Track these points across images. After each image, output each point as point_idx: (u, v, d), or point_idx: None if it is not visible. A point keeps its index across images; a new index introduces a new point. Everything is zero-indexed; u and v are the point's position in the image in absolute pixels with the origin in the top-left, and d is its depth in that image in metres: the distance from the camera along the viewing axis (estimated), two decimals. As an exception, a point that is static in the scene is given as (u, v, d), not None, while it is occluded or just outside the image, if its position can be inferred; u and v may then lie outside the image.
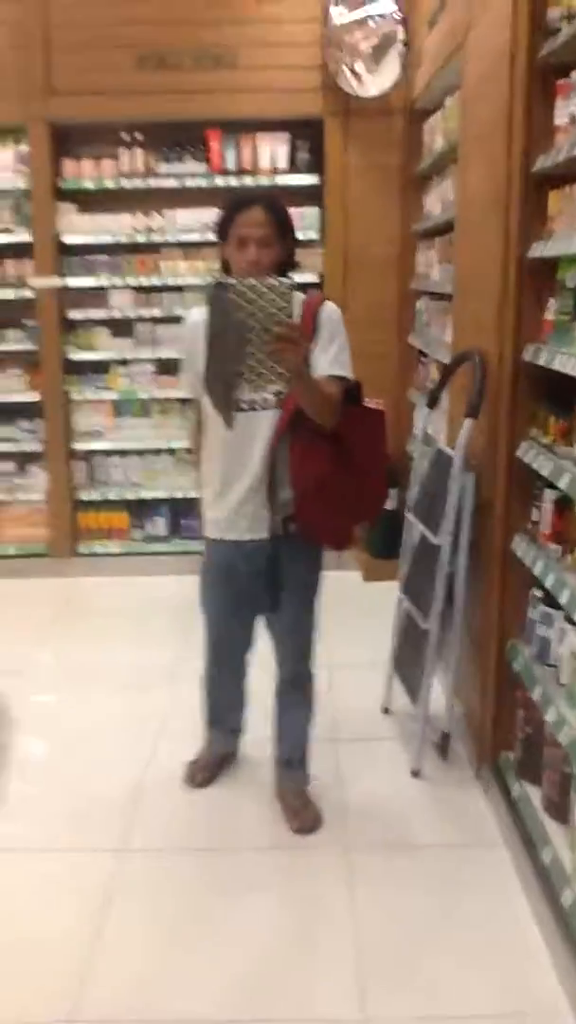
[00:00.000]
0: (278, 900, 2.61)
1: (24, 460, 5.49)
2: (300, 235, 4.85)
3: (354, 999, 2.22)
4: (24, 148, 5.07)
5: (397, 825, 2.93)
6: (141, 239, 5.19)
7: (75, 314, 5.28)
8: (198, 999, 2.24)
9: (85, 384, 5.38)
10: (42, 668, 4.21)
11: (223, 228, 2.59)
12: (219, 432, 2.64)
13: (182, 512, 5.48)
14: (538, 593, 2.67)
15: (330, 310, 2.64)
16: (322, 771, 3.15)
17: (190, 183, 5.09)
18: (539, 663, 2.63)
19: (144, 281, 5.23)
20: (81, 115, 4.98)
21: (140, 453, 5.49)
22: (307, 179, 5.08)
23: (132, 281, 5.24)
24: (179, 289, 5.23)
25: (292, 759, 3.02)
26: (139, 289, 5.27)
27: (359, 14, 4.66)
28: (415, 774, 3.16)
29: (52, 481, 5.41)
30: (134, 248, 5.24)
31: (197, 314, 2.70)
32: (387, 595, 4.03)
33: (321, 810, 2.96)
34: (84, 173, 5.15)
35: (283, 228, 2.59)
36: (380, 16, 4.65)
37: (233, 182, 5.06)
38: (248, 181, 5.06)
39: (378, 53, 4.68)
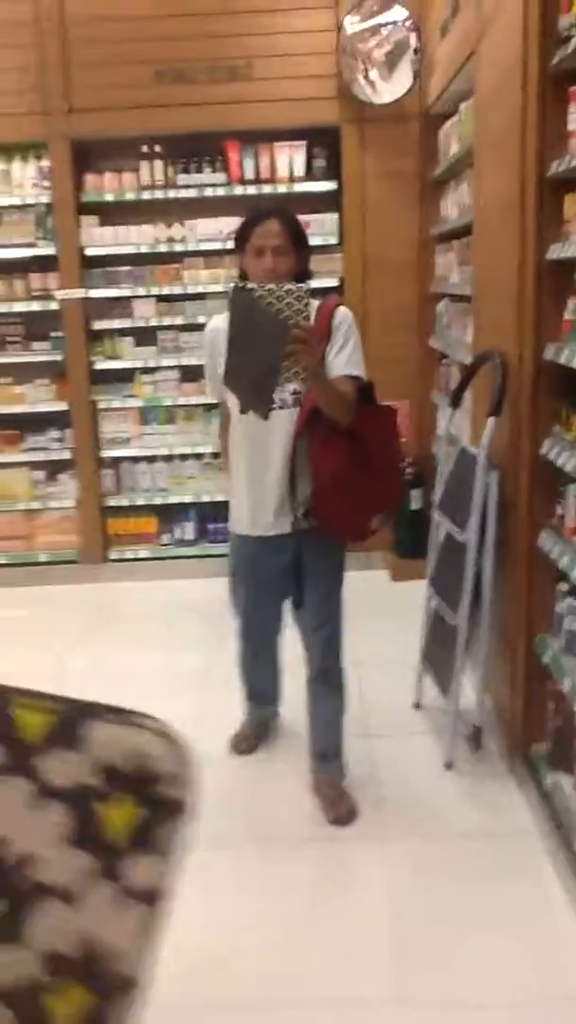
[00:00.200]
0: (314, 886, 2.70)
1: (54, 469, 5.60)
2: (319, 240, 5.06)
3: (390, 981, 2.29)
4: (46, 164, 5.18)
5: (431, 815, 3.00)
6: (163, 249, 5.28)
7: (99, 324, 5.39)
8: (236, 979, 2.33)
9: (111, 393, 5.48)
10: (76, 672, 4.30)
11: (240, 239, 2.73)
12: (241, 431, 2.81)
13: (209, 516, 5.58)
14: (564, 587, 2.74)
15: (343, 314, 2.77)
16: (356, 764, 3.22)
17: (209, 193, 5.19)
18: (568, 655, 2.69)
19: (166, 290, 5.33)
20: (101, 131, 5.09)
21: (167, 459, 5.59)
22: (325, 186, 5.16)
23: (155, 290, 5.33)
24: (201, 297, 5.32)
25: (327, 752, 3.11)
26: (162, 298, 5.37)
27: (372, 23, 4.74)
28: (448, 767, 3.23)
29: (82, 488, 5.52)
30: (156, 258, 5.33)
31: (217, 321, 2.87)
32: (414, 594, 4.10)
33: (356, 802, 3.05)
34: (105, 186, 5.25)
35: (297, 238, 2.72)
36: (392, 24, 4.73)
37: (252, 191, 5.15)
38: (267, 189, 5.15)
39: (391, 60, 4.75)
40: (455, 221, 4.28)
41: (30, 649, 4.49)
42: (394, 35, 4.74)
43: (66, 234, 5.22)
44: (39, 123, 5.05)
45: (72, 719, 0.75)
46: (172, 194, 5.22)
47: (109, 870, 0.73)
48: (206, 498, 5.52)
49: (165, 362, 5.41)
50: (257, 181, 5.17)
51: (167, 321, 5.37)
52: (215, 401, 2.97)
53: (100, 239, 5.29)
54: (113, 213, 5.32)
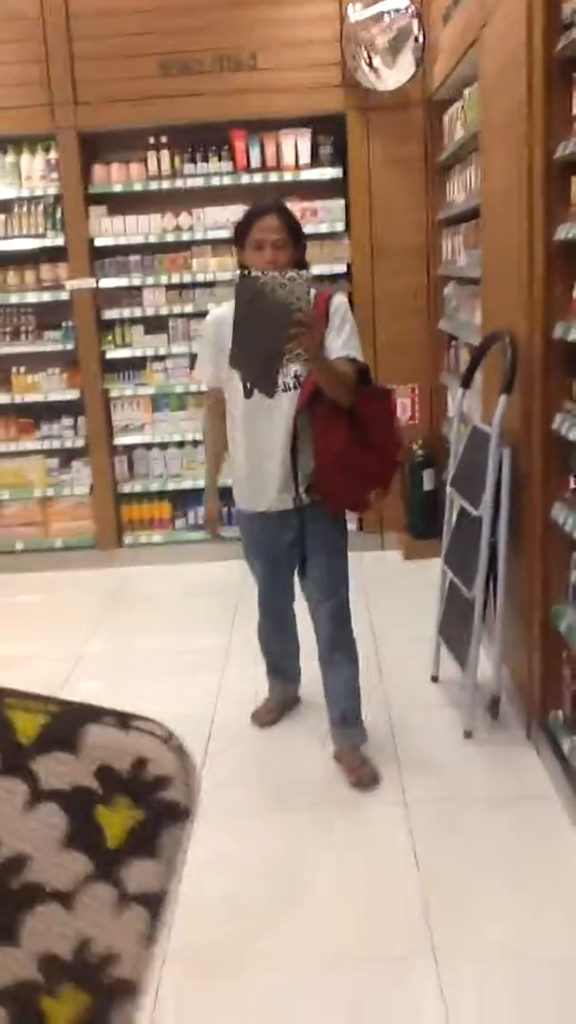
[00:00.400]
0: (340, 848, 2.80)
1: (68, 456, 5.70)
2: (326, 227, 5.14)
3: (420, 935, 2.40)
4: (54, 156, 5.26)
5: (453, 781, 3.11)
6: (171, 238, 5.36)
7: (110, 313, 5.47)
8: (267, 936, 2.44)
9: (123, 381, 5.57)
10: (94, 655, 4.40)
11: (240, 234, 2.90)
12: (244, 413, 2.99)
13: (222, 500, 5.65)
14: (578, 557, 2.83)
15: (339, 301, 2.95)
16: (376, 736, 3.33)
17: (216, 182, 5.26)
18: (583, 622, 2.79)
19: (176, 279, 5.40)
20: (108, 123, 5.16)
21: (179, 445, 5.68)
22: (331, 172, 5.23)
23: (164, 279, 5.41)
24: (210, 285, 5.40)
25: (346, 716, 3.22)
26: (171, 287, 5.45)
27: (374, 10, 4.80)
28: (467, 735, 3.33)
29: (95, 475, 5.61)
30: (165, 247, 5.41)
31: (219, 311, 3.07)
32: (428, 573, 4.21)
33: (378, 767, 3.16)
34: (113, 177, 5.32)
35: (294, 232, 2.90)
36: (395, 11, 4.79)
37: (258, 179, 5.23)
38: (273, 177, 5.22)
39: (394, 48, 4.82)
40: (462, 205, 4.36)
41: (48, 633, 4.59)
42: (397, 22, 4.80)
43: (75, 225, 5.30)
44: (46, 116, 5.12)
45: (69, 721, 0.73)
46: (179, 184, 5.29)
47: (107, 873, 0.72)
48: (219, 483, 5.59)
49: (176, 349, 5.50)
50: (263, 169, 5.25)
51: (177, 309, 5.45)
52: (207, 387, 3.20)
53: (109, 229, 5.37)
54: (121, 203, 5.40)
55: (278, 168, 5.24)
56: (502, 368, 3.19)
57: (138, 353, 5.52)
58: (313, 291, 2.82)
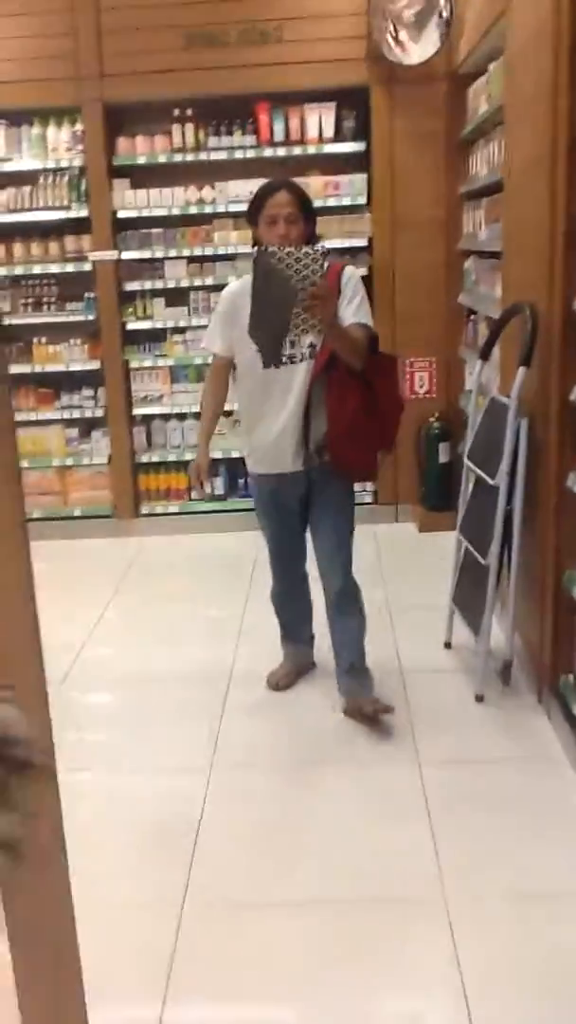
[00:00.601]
0: (356, 804, 2.89)
1: (87, 426, 5.77)
2: (348, 201, 5.18)
3: (435, 882, 2.48)
4: (79, 128, 5.30)
5: (464, 743, 3.19)
6: (193, 211, 5.40)
7: (131, 285, 5.52)
8: (288, 884, 2.53)
9: (143, 352, 5.63)
10: (110, 620, 4.48)
11: (254, 211, 3.09)
12: (260, 382, 3.17)
13: (239, 472, 5.72)
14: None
15: (350, 272, 3.14)
16: (390, 699, 3.40)
17: (239, 155, 5.29)
18: (596, 588, 2.85)
19: (197, 251, 5.45)
20: (133, 95, 5.20)
21: (197, 416, 5.70)
22: (354, 147, 5.26)
23: (186, 252, 5.45)
24: (231, 258, 5.44)
25: (355, 663, 3.38)
26: (192, 259, 5.49)
27: (401, -17, 4.82)
28: (479, 699, 3.41)
29: (114, 445, 5.68)
30: (187, 220, 5.45)
31: (236, 284, 3.27)
32: (442, 543, 4.27)
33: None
34: (137, 149, 5.36)
35: (305, 207, 3.09)
36: (423, -16, 4.81)
37: (281, 152, 5.26)
38: (296, 151, 5.26)
39: (420, 21, 4.84)
40: (484, 179, 4.39)
41: (65, 600, 4.65)
42: (424, -5, 4.82)
43: (99, 197, 5.35)
44: (72, 88, 5.16)
45: None
46: (203, 156, 5.33)
47: None
48: (235, 454, 5.65)
49: (196, 322, 5.54)
50: (287, 143, 5.28)
51: (198, 282, 5.49)
52: (215, 355, 3.37)
53: (132, 202, 5.41)
54: (145, 176, 5.44)
55: (302, 142, 5.27)
56: (522, 340, 3.24)
57: (158, 325, 5.57)
58: (327, 264, 2.95)
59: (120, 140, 5.37)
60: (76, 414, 5.71)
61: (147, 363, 5.63)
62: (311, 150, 5.26)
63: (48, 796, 1.41)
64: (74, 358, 5.63)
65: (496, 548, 3.35)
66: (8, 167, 5.38)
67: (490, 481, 3.38)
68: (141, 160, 5.36)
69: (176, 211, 5.41)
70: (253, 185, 5.13)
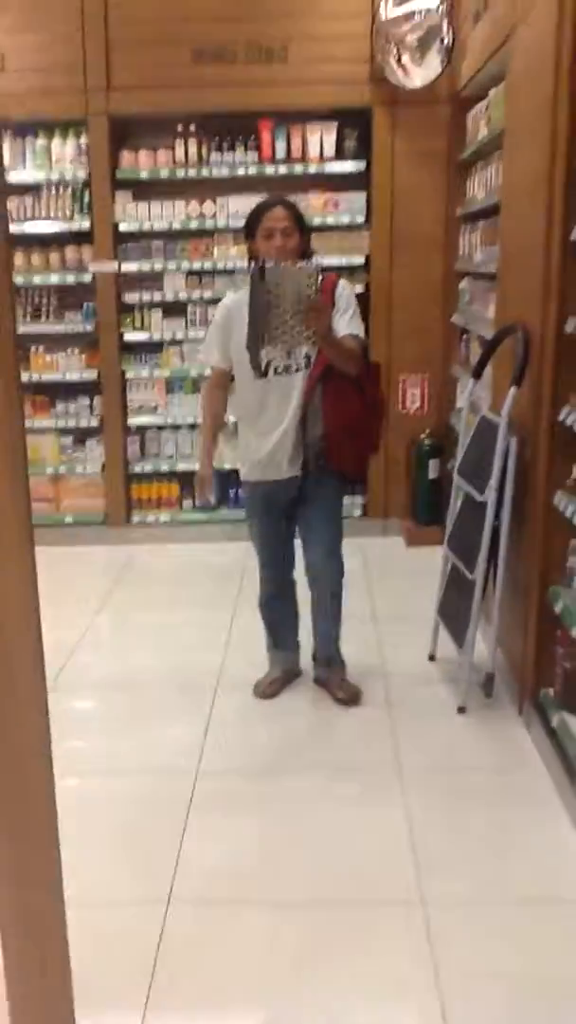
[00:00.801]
0: (338, 807, 2.93)
1: (82, 435, 5.81)
2: (347, 219, 5.26)
3: (412, 886, 2.52)
4: (84, 141, 5.37)
5: (446, 752, 3.23)
6: (194, 225, 5.47)
7: (131, 296, 5.57)
8: (275, 887, 2.56)
9: (139, 363, 5.68)
10: (100, 627, 4.52)
11: (251, 225, 3.27)
12: (258, 392, 3.31)
13: (229, 483, 5.76)
14: (577, 542, 2.95)
15: (343, 286, 3.32)
16: (373, 709, 3.47)
17: (241, 172, 5.37)
18: (579, 603, 2.91)
19: (197, 265, 5.51)
20: (140, 109, 5.28)
21: (191, 427, 5.78)
22: (354, 166, 5.35)
23: (185, 265, 5.52)
24: (230, 272, 5.51)
25: (332, 656, 3.66)
26: (191, 272, 5.56)
27: (405, 8, 4.90)
28: (461, 710, 3.45)
29: (108, 454, 5.72)
30: (187, 234, 5.52)
31: (233, 297, 3.39)
32: (429, 559, 4.32)
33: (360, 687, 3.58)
34: (140, 163, 5.43)
35: (300, 222, 3.26)
36: (426, 10, 4.90)
37: (283, 170, 5.34)
38: (297, 169, 5.34)
39: (423, 45, 4.93)
40: (482, 202, 4.47)
41: (56, 605, 4.61)
42: (427, 21, 4.91)
43: (101, 209, 5.41)
44: (80, 101, 5.24)
45: None
46: (205, 172, 5.40)
47: None
48: (227, 466, 5.69)
49: (193, 334, 5.59)
50: (288, 160, 5.36)
51: (196, 295, 5.56)
52: (212, 367, 3.50)
53: (134, 214, 5.47)
54: (147, 189, 5.51)
55: (303, 160, 5.36)
56: (514, 361, 3.30)
57: (156, 336, 5.63)
58: (321, 277, 3.08)
59: (124, 153, 5.44)
60: (71, 423, 5.76)
61: (143, 374, 5.68)
62: (312, 168, 5.35)
63: (46, 812, 1.46)
64: (71, 367, 5.68)
65: (482, 563, 3.40)
66: (11, 178, 5.43)
67: (478, 497, 3.44)
68: (144, 174, 5.43)
69: (177, 225, 5.47)
70: (254, 201, 5.18)
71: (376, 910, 2.46)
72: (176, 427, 5.82)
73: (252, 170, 5.37)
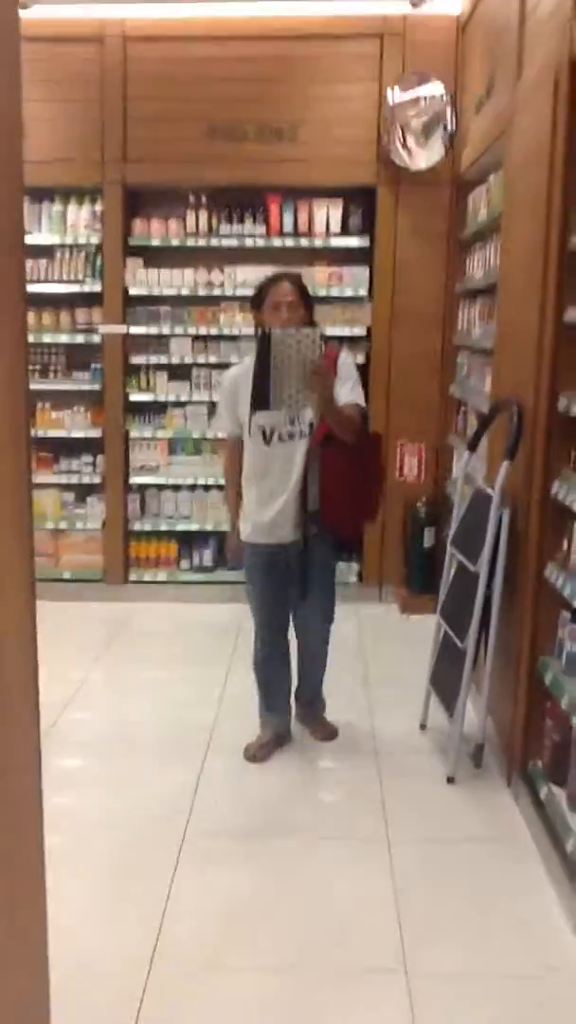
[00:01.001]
0: (325, 876, 2.93)
1: (84, 492, 5.89)
2: (350, 292, 5.42)
3: (397, 956, 2.52)
4: (99, 208, 5.55)
5: (434, 822, 3.24)
6: (202, 292, 5.62)
7: (137, 358, 5.70)
8: (260, 950, 2.57)
9: (143, 423, 5.80)
10: (96, 682, 4.55)
11: (258, 299, 3.46)
12: (263, 458, 3.46)
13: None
14: (568, 614, 3.00)
15: (345, 356, 3.53)
16: (363, 778, 3.49)
17: (249, 243, 5.54)
18: (569, 675, 2.95)
19: (203, 331, 5.66)
20: (154, 180, 5.49)
21: (191, 488, 5.86)
22: (358, 241, 5.53)
23: (192, 330, 5.66)
24: (235, 338, 5.65)
25: (314, 702, 3.88)
26: (197, 338, 5.70)
27: (412, 94, 5.13)
28: (450, 780, 3.47)
29: (108, 511, 5.80)
30: (195, 301, 5.67)
31: (238, 367, 3.58)
32: (422, 627, 4.37)
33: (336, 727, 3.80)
34: (152, 231, 5.61)
35: (304, 296, 3.45)
36: (431, 97, 5.12)
37: (289, 243, 5.51)
38: (303, 242, 5.52)
39: (427, 130, 5.14)
40: (480, 281, 4.61)
41: (52, 660, 4.66)
42: (431, 107, 5.13)
43: (112, 274, 5.58)
44: (97, 170, 5.44)
45: None
46: (214, 242, 5.57)
47: None
48: (226, 527, 5.75)
49: (197, 397, 5.72)
50: (295, 234, 5.54)
51: (201, 359, 5.69)
52: (223, 436, 3.72)
53: (144, 280, 5.63)
54: (157, 256, 5.67)
55: (309, 234, 5.53)
56: (508, 435, 3.39)
57: (160, 398, 5.75)
58: (323, 346, 3.23)
59: (136, 221, 5.62)
60: (74, 479, 5.84)
61: (147, 433, 5.79)
62: (318, 242, 5.52)
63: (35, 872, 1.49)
64: (76, 424, 5.79)
65: (474, 632, 3.45)
66: (27, 240, 5.57)
67: (471, 567, 3.50)
68: (155, 241, 5.60)
69: (185, 291, 5.62)
70: (261, 271, 5.38)
71: (361, 977, 2.46)
72: (176, 487, 5.90)
73: (260, 242, 5.54)
